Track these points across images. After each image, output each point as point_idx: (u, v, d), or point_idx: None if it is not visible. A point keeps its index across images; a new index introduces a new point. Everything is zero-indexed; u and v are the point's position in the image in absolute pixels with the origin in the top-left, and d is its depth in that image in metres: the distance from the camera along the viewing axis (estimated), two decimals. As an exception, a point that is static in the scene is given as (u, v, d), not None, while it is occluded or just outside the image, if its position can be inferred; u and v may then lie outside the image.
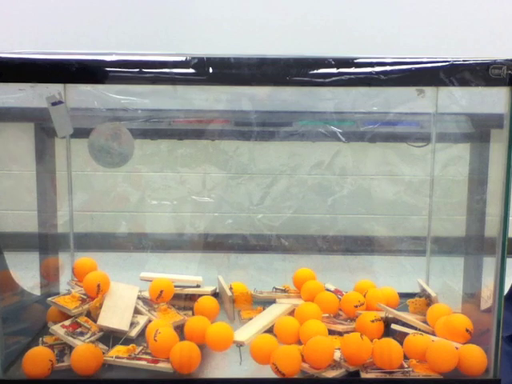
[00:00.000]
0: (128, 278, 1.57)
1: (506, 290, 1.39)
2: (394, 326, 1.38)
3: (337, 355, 1.27)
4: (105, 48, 1.23)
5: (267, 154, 1.63)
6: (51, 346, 1.31)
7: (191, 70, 1.14)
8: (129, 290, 1.52)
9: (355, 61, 1.15)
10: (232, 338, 1.30)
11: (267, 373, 1.24)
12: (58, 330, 1.34)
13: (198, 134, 1.54)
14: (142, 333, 1.37)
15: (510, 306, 1.43)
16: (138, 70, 1.16)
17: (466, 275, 1.59)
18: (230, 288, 1.55)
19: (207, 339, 1.31)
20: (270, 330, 1.38)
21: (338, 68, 1.14)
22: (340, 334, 1.38)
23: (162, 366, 1.26)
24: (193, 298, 1.52)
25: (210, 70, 1.14)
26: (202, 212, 1.58)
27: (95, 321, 1.38)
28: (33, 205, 1.60)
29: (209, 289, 1.57)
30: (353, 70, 1.15)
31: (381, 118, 1.41)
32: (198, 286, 1.58)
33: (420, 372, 1.25)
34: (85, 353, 1.26)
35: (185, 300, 1.53)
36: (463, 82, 1.15)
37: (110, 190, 1.66)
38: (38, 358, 1.25)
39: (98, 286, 1.44)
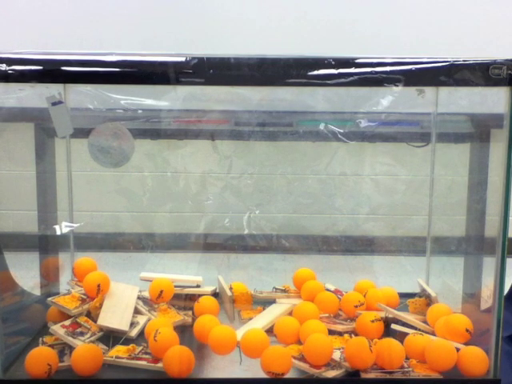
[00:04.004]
0: (128, 278, 1.57)
1: (506, 290, 1.39)
2: (394, 326, 1.38)
3: (337, 355, 1.27)
4: (105, 48, 1.23)
5: (267, 153, 1.63)
6: (51, 346, 1.31)
7: (191, 70, 1.14)
8: (129, 290, 1.52)
9: (355, 61, 1.15)
10: (235, 342, 1.30)
11: (267, 373, 1.25)
12: (58, 330, 1.34)
13: (198, 134, 1.54)
14: (142, 333, 1.37)
15: (510, 306, 1.43)
16: (137, 70, 1.16)
17: (466, 275, 1.59)
18: (230, 288, 1.55)
19: (210, 342, 1.31)
20: (270, 330, 1.38)
21: (337, 68, 1.14)
22: (340, 333, 1.38)
23: (162, 365, 1.26)
24: (193, 298, 1.52)
25: (210, 70, 1.14)
26: (202, 212, 1.58)
27: (95, 321, 1.38)
28: (33, 205, 1.60)
29: (209, 289, 1.57)
30: (353, 70, 1.15)
31: (381, 118, 1.41)
32: (198, 286, 1.58)
33: (420, 372, 1.25)
34: (85, 353, 1.26)
35: (185, 300, 1.53)
36: (463, 82, 1.15)
37: (109, 189, 1.66)
38: (42, 358, 1.25)
39: (98, 286, 1.44)
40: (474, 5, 2.41)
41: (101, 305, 1.42)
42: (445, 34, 2.36)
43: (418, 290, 1.57)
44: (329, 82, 1.15)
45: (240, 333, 1.33)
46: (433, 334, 1.37)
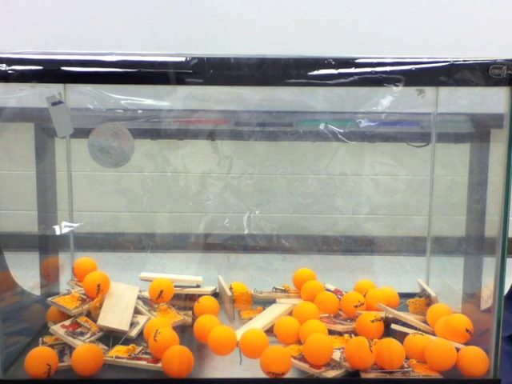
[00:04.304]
0: (128, 278, 1.57)
1: (506, 290, 1.39)
2: (394, 326, 1.38)
3: (337, 355, 1.27)
4: (105, 48, 1.23)
5: (267, 153, 1.63)
6: (51, 346, 1.31)
7: (191, 70, 1.14)
8: (129, 290, 1.52)
9: (355, 61, 1.15)
10: (235, 343, 1.30)
11: (267, 373, 1.25)
12: (58, 330, 1.34)
13: (198, 134, 1.54)
14: (142, 333, 1.37)
15: (510, 306, 1.43)
16: (137, 70, 1.16)
17: (466, 275, 1.59)
18: (230, 288, 1.55)
19: (210, 343, 1.31)
20: (270, 330, 1.38)
21: (337, 68, 1.14)
22: (340, 333, 1.38)
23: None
24: (193, 298, 1.52)
25: (210, 70, 1.14)
26: (202, 212, 1.58)
27: (95, 321, 1.38)
28: (33, 205, 1.60)
29: (209, 289, 1.57)
30: (353, 70, 1.15)
31: (381, 118, 1.41)
32: (198, 286, 1.58)
33: (420, 372, 1.25)
34: (86, 353, 1.26)
35: (185, 300, 1.53)
36: (463, 82, 1.15)
37: (109, 189, 1.66)
38: (41, 358, 1.25)
39: (98, 286, 1.44)
40: (474, 5, 2.41)
41: (101, 305, 1.42)
42: (445, 33, 2.36)
43: (418, 290, 1.57)
44: (329, 82, 1.15)
45: (240, 333, 1.33)
46: (433, 333, 1.37)
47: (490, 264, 1.25)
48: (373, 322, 1.36)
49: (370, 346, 1.24)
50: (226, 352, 1.30)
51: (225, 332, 1.31)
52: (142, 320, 1.42)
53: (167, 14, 2.41)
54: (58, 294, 1.48)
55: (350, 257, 1.85)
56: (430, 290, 1.52)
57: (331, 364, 1.26)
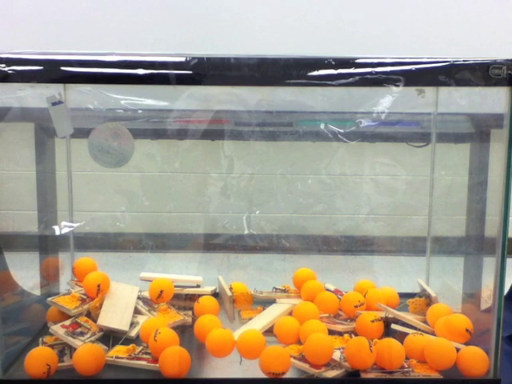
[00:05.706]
0: (128, 278, 1.57)
1: (506, 290, 1.39)
2: (394, 326, 1.38)
3: (337, 355, 1.27)
4: (105, 48, 1.23)
5: (267, 153, 1.63)
6: (51, 346, 1.31)
7: (191, 70, 1.14)
8: (129, 290, 1.52)
9: (355, 61, 1.15)
10: (233, 345, 1.30)
11: (267, 373, 1.24)
12: (58, 329, 1.34)
13: (198, 134, 1.54)
14: (142, 333, 1.37)
15: (510, 306, 1.44)
16: (137, 70, 1.16)
17: (466, 275, 1.59)
18: (230, 288, 1.55)
19: (208, 345, 1.30)
20: (270, 330, 1.38)
21: (337, 68, 1.14)
22: (340, 333, 1.38)
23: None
24: (193, 297, 1.52)
25: (210, 70, 1.14)
26: (202, 212, 1.58)
27: (95, 321, 1.38)
28: (33, 205, 1.60)
29: (209, 289, 1.57)
30: (353, 70, 1.15)
31: (381, 118, 1.41)
32: (198, 286, 1.58)
33: (420, 372, 1.25)
34: (88, 353, 1.26)
35: (185, 300, 1.53)
36: (463, 82, 1.16)
37: (109, 189, 1.66)
38: (41, 358, 1.25)
39: (98, 286, 1.44)
40: (474, 5, 2.41)
41: (101, 305, 1.42)
42: (445, 34, 2.36)
43: (418, 290, 1.57)
44: (329, 82, 1.15)
45: (239, 333, 1.33)
46: (433, 333, 1.37)
47: (490, 264, 1.25)
48: (373, 321, 1.36)
49: (370, 346, 1.24)
50: (224, 354, 1.30)
51: (222, 335, 1.31)
52: (141, 320, 1.42)
53: (167, 14, 2.41)
54: (58, 294, 1.48)
55: (350, 257, 1.86)
56: (430, 290, 1.52)
57: (331, 364, 1.26)
